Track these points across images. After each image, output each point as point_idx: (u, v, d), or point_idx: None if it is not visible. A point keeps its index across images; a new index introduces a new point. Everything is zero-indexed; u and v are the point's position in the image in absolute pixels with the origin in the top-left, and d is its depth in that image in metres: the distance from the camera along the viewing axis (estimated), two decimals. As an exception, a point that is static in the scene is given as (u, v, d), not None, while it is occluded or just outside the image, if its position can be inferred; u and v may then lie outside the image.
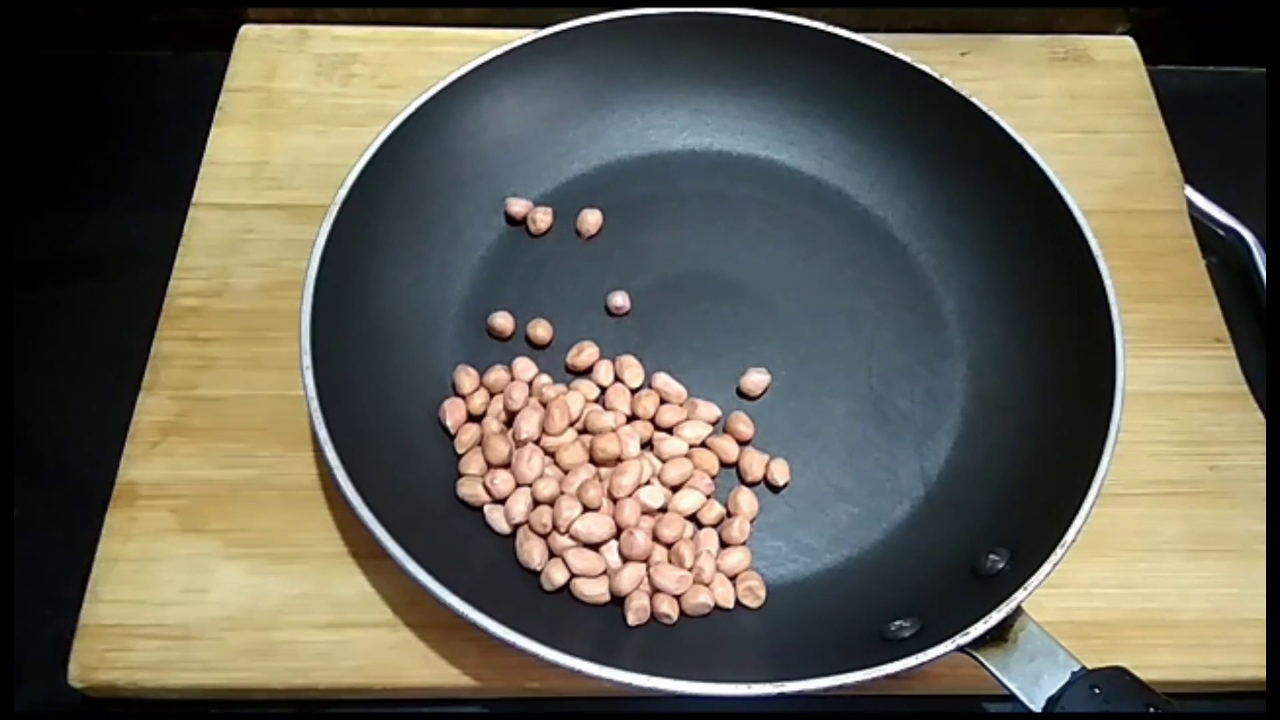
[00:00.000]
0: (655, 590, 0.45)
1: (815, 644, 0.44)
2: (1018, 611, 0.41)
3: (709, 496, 0.48)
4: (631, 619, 0.44)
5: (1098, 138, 0.62)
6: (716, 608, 0.45)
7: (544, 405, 0.49)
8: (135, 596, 0.46)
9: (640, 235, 0.56)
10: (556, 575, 0.45)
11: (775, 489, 0.49)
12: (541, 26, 0.56)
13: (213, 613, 0.46)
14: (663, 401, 0.50)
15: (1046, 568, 0.41)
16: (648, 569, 0.45)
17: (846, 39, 0.56)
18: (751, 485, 0.49)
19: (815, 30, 0.56)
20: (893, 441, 0.50)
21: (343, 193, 0.50)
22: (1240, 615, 0.48)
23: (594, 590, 0.45)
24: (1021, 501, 0.47)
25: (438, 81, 0.54)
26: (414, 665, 0.45)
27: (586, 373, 0.51)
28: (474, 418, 0.50)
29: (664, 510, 0.47)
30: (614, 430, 0.48)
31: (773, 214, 0.57)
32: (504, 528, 0.46)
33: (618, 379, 0.51)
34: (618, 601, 0.45)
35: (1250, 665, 0.47)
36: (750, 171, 0.59)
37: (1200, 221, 0.60)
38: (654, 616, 0.45)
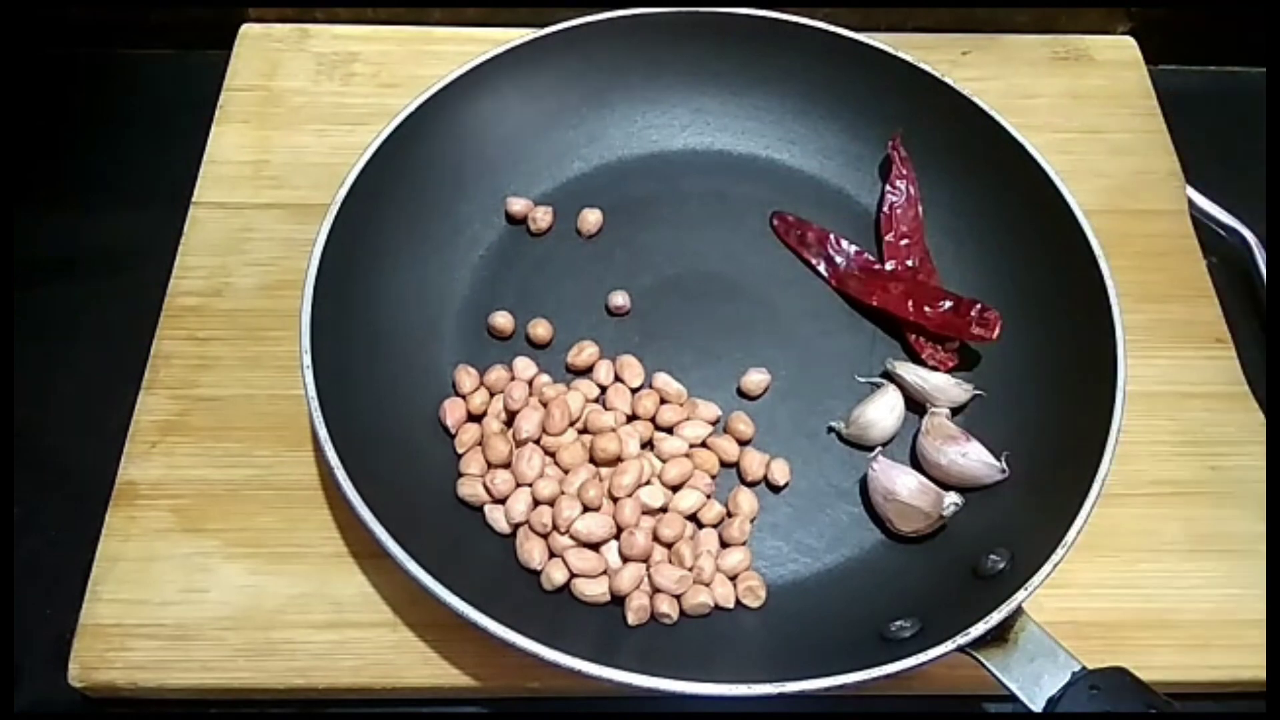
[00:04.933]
0: (655, 590, 0.45)
1: (815, 644, 0.44)
2: (1018, 612, 0.41)
3: (709, 496, 0.48)
4: (631, 619, 0.44)
5: (1099, 137, 0.62)
6: (716, 608, 0.45)
7: (544, 405, 0.49)
8: (135, 596, 0.46)
9: (640, 235, 0.56)
10: (556, 575, 0.45)
11: (775, 489, 0.49)
12: (542, 26, 0.56)
13: (212, 612, 0.46)
14: (663, 401, 0.50)
15: (1047, 568, 0.41)
16: (648, 569, 0.45)
17: (847, 38, 0.56)
18: (751, 485, 0.49)
19: (816, 30, 0.56)
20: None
21: (343, 192, 0.50)
22: (1240, 615, 0.48)
23: (594, 590, 0.45)
24: (1021, 501, 0.47)
25: (438, 80, 0.54)
26: (414, 665, 0.45)
27: (586, 372, 0.51)
28: (474, 417, 0.50)
29: (664, 510, 0.47)
30: (614, 430, 0.48)
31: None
32: (504, 527, 0.46)
33: (618, 378, 0.51)
34: (618, 601, 0.45)
35: (1250, 665, 0.47)
36: (751, 171, 0.59)
37: (1201, 221, 0.60)
38: (654, 616, 0.45)
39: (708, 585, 0.45)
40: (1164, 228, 0.59)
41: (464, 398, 0.50)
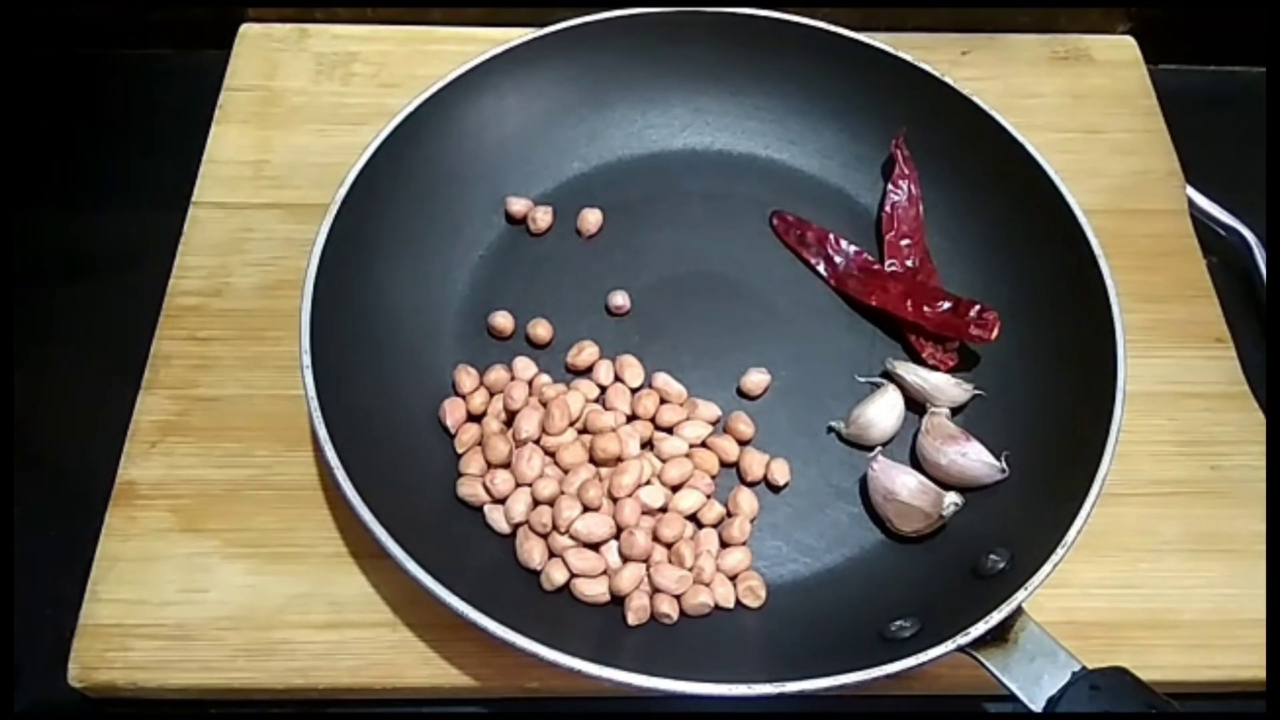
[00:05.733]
0: (655, 590, 0.45)
1: (815, 644, 0.44)
2: (1018, 611, 0.41)
3: (709, 496, 0.48)
4: (631, 619, 0.44)
5: (1099, 137, 0.62)
6: (716, 608, 0.45)
7: (544, 405, 0.49)
8: (135, 596, 0.46)
9: (640, 235, 0.56)
10: (556, 575, 0.45)
11: (775, 489, 0.49)
12: (541, 26, 0.56)
13: (212, 612, 0.46)
14: (663, 401, 0.50)
15: (1047, 568, 0.41)
16: (648, 569, 0.45)
17: (847, 38, 0.56)
18: (751, 485, 0.49)
19: (816, 30, 0.56)
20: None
21: (343, 192, 0.50)
22: (1240, 615, 0.48)
23: (594, 590, 0.45)
24: (1021, 501, 0.47)
25: (438, 80, 0.54)
26: (414, 665, 0.45)
27: (586, 372, 0.51)
28: (474, 417, 0.50)
29: (664, 510, 0.47)
30: (614, 430, 0.48)
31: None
32: (504, 528, 0.46)
33: (618, 379, 0.51)
34: (618, 601, 0.45)
35: (1250, 665, 0.47)
36: (751, 171, 0.59)
37: (1201, 221, 0.60)
38: (654, 616, 0.45)
39: (708, 585, 0.45)
40: (1164, 228, 0.59)
41: (464, 398, 0.50)
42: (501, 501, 0.47)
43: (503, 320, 0.52)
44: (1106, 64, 0.66)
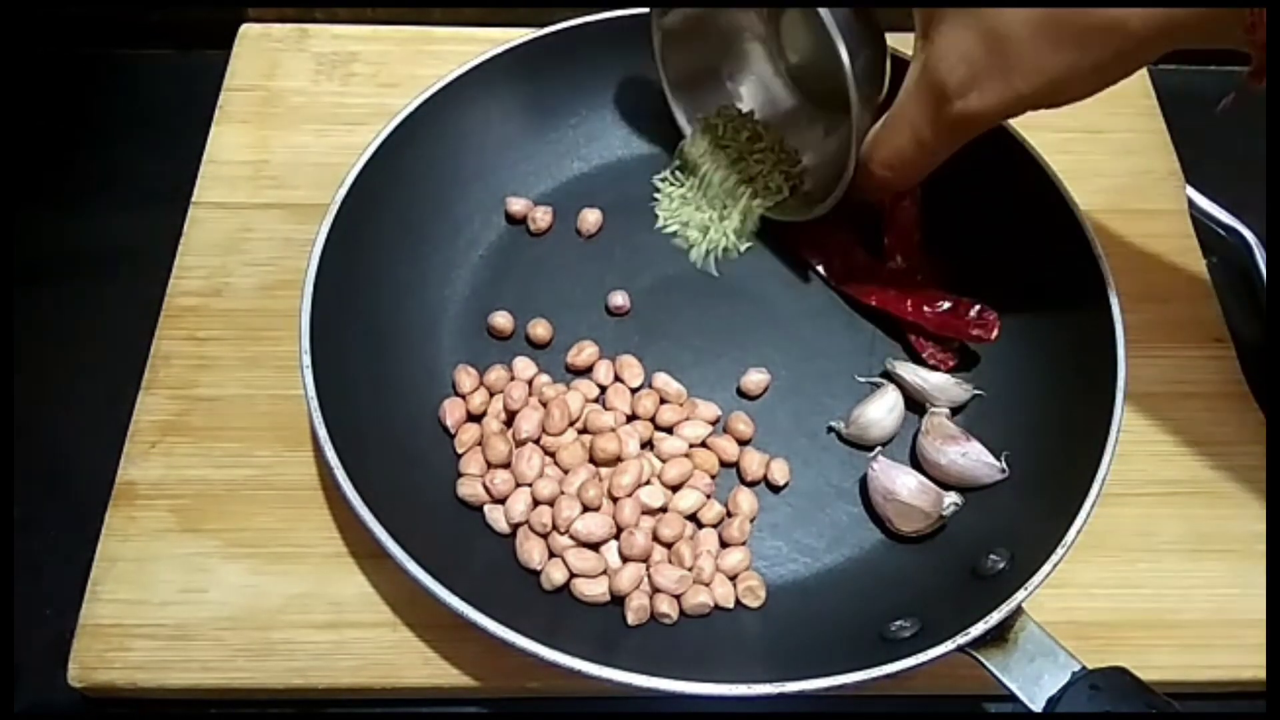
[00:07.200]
0: (655, 590, 0.45)
1: (815, 644, 0.44)
2: (1018, 611, 0.41)
3: (709, 496, 0.48)
4: (631, 619, 0.44)
5: (1099, 137, 0.62)
6: (716, 608, 0.45)
7: (544, 405, 0.49)
8: (134, 596, 0.46)
9: (640, 235, 0.56)
10: (556, 575, 0.45)
11: (775, 489, 0.49)
12: (541, 26, 0.56)
13: (212, 612, 0.46)
14: (662, 401, 0.50)
15: (1047, 568, 0.41)
16: (647, 569, 0.45)
17: (847, 38, 0.56)
18: (751, 485, 0.49)
19: (815, 30, 0.56)
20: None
21: (342, 192, 0.50)
22: (1240, 615, 0.48)
23: (594, 590, 0.45)
24: (1021, 501, 0.47)
25: (437, 80, 0.54)
26: (414, 665, 0.45)
27: (586, 372, 0.51)
28: (474, 417, 0.50)
29: (664, 510, 0.47)
30: (614, 430, 0.48)
31: (773, 213, 0.57)
32: (504, 527, 0.46)
33: (618, 378, 0.51)
34: (617, 601, 0.45)
35: (1250, 665, 0.47)
36: (750, 171, 0.58)
37: (1201, 221, 0.60)
38: (654, 616, 0.45)
39: (707, 585, 0.45)
40: (1164, 228, 0.59)
41: (464, 398, 0.50)
42: (501, 501, 0.47)
43: (503, 320, 0.52)
44: (1106, 64, 0.65)
